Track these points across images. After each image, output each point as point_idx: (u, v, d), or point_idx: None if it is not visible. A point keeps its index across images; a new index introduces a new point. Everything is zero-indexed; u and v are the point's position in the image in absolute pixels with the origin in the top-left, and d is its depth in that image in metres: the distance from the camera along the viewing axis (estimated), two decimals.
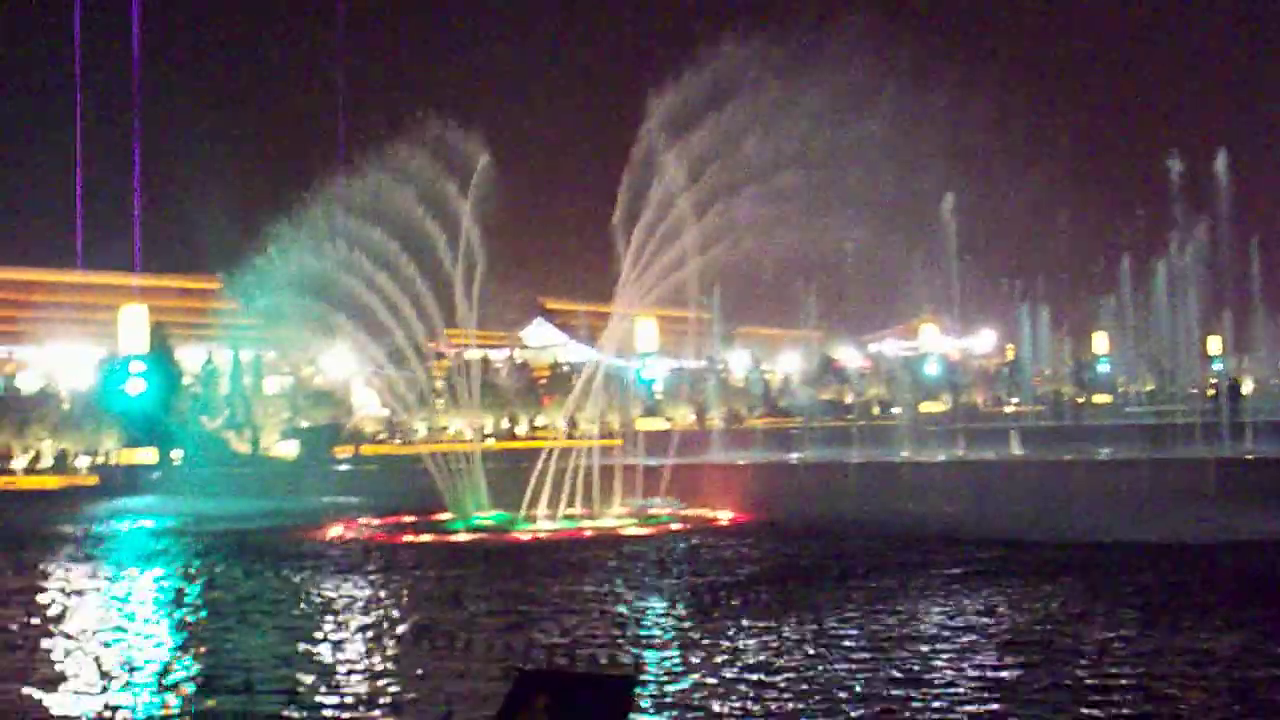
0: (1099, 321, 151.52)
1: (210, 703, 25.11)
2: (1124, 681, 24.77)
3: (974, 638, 28.97)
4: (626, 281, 60.38)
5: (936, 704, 23.47)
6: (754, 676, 25.90)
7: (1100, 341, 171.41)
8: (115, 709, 24.85)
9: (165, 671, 27.96)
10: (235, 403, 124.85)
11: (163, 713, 24.81)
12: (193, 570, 45.79)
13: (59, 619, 35.32)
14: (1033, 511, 55.77)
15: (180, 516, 68.66)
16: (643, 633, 31.06)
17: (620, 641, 29.70)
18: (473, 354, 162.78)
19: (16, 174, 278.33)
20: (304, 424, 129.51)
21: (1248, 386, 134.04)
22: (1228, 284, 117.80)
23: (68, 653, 30.11)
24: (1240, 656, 26.69)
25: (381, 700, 24.90)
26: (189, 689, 26.37)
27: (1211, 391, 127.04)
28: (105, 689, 26.44)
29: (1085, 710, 22.87)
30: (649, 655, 28.24)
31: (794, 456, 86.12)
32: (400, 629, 31.87)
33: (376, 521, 60.36)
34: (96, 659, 29.29)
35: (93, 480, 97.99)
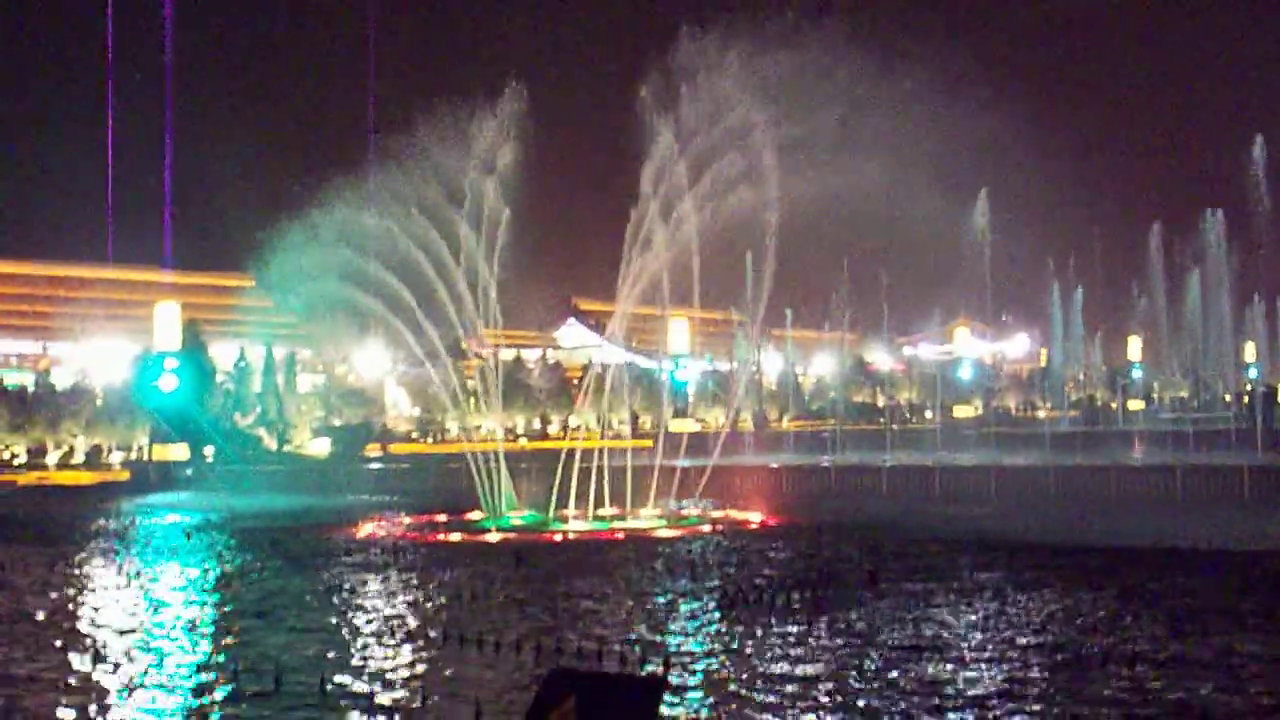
0: (1133, 327, 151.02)
1: (238, 700, 25.16)
2: (1151, 693, 24.67)
3: (1004, 644, 28.86)
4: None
5: (967, 714, 23.42)
6: (783, 678, 25.86)
7: (1134, 347, 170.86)
8: (143, 707, 24.93)
9: (192, 668, 28.03)
10: (268, 400, 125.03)
11: (189, 711, 24.88)
12: (223, 567, 45.90)
13: (87, 613, 35.44)
14: (1065, 516, 55.62)
15: (212, 513, 68.82)
16: (672, 634, 31.02)
17: (650, 643, 29.66)
18: (506, 354, 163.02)
19: (50, 170, 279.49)
20: (336, 422, 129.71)
21: None
22: (1264, 290, 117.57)
23: (95, 645, 30.23)
24: (1273, 662, 26.58)
25: (411, 698, 24.91)
26: (216, 686, 26.42)
27: (1246, 398, 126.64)
28: (126, 688, 26.50)
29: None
30: (678, 656, 28.21)
31: (826, 459, 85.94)
32: (430, 628, 31.87)
33: (408, 520, 60.41)
34: (122, 653, 29.38)
35: (125, 476, 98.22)
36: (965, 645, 28.74)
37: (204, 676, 27.36)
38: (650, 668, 26.91)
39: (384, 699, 24.93)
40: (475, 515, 60.64)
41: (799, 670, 26.67)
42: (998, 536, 48.71)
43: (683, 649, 29.16)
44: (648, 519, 57.99)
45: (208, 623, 34.40)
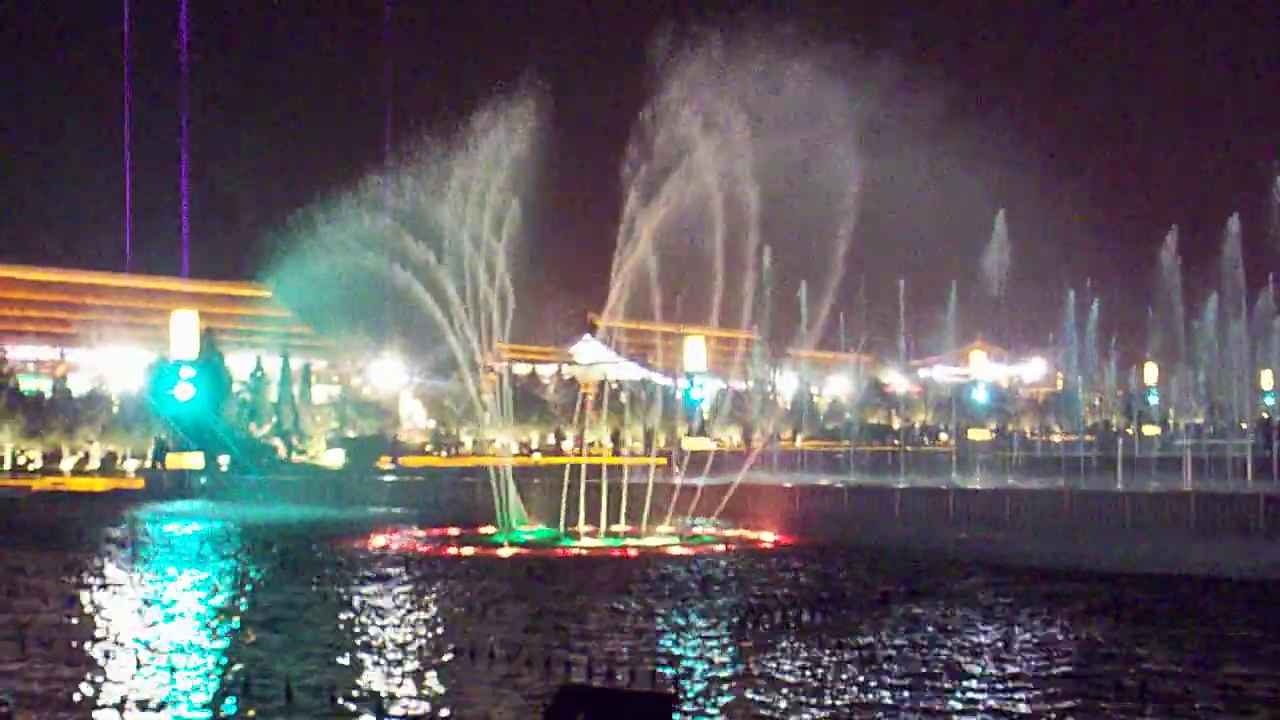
0: (1150, 353, 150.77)
1: (247, 711, 25.16)
2: None
3: (1016, 671, 28.78)
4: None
5: None
6: (794, 699, 25.82)
7: (1151, 372, 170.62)
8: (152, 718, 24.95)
9: (202, 679, 28.04)
10: (283, 410, 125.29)
11: None
12: (235, 576, 45.94)
13: (96, 621, 35.49)
14: (1079, 541, 55.51)
15: (226, 522, 68.91)
16: (683, 652, 30.98)
17: (660, 660, 29.62)
18: (522, 368, 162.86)
19: (68, 178, 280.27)
20: (350, 433, 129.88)
21: None
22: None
23: (101, 652, 30.26)
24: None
25: (421, 713, 24.89)
26: (226, 697, 26.43)
27: (1262, 425, 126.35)
28: (134, 699, 26.52)
29: None
30: (688, 674, 28.17)
31: (839, 480, 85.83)
32: (441, 642, 31.85)
33: (420, 533, 60.44)
34: (132, 663, 29.40)
35: (139, 484, 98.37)
36: (977, 671, 28.65)
37: (213, 687, 27.34)
38: (661, 685, 26.87)
39: (394, 711, 24.91)
40: (488, 529, 60.66)
41: (810, 691, 26.61)
42: (1011, 561, 48.60)
43: (693, 667, 29.11)
44: (660, 537, 57.95)
45: (218, 633, 34.38)
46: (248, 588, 42.90)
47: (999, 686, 27.08)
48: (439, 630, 33.74)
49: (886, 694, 26.33)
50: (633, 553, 53.35)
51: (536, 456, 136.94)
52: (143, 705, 25.57)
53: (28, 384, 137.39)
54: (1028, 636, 32.86)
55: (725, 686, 27.17)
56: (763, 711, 24.95)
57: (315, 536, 59.99)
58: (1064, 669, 28.88)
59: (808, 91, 58.24)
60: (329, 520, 68.70)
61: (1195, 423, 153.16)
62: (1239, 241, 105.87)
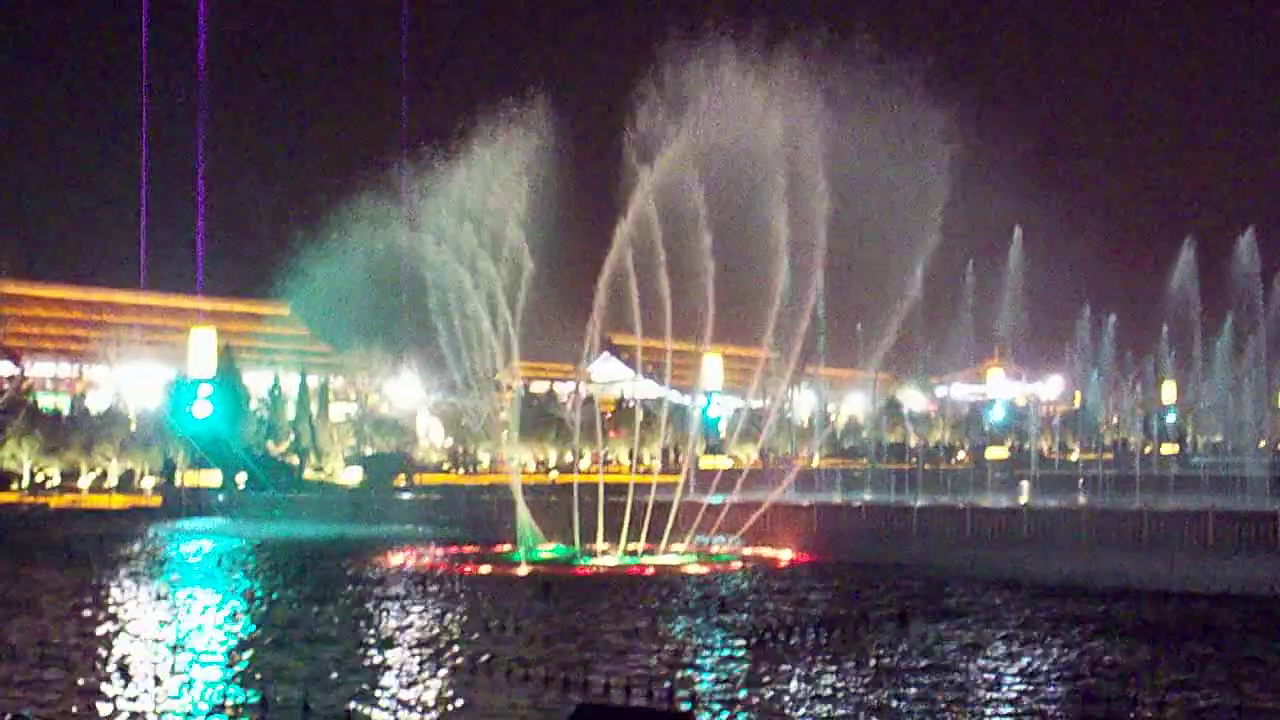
0: (1168, 371, 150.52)
1: None
2: None
3: (1034, 690, 28.75)
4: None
5: None
6: (811, 718, 25.81)
7: (1169, 391, 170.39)
8: None
9: (220, 694, 28.08)
10: (301, 428, 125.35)
11: None
12: (253, 593, 46.03)
13: (115, 638, 35.55)
14: (1097, 560, 55.41)
15: (243, 540, 68.98)
16: (700, 671, 30.98)
17: (677, 679, 29.62)
18: (539, 386, 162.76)
19: (86, 196, 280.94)
20: (368, 451, 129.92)
21: None
22: None
23: (119, 668, 30.32)
24: None
25: None
26: (244, 711, 26.47)
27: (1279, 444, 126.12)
28: (154, 714, 26.58)
29: None
30: (705, 694, 28.18)
31: (856, 498, 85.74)
32: (458, 660, 31.87)
33: (438, 551, 60.46)
34: (151, 678, 29.46)
35: (156, 501, 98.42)
36: (995, 691, 28.63)
37: (232, 701, 27.39)
38: (678, 704, 26.88)
39: None
40: (505, 547, 60.68)
41: (827, 710, 26.60)
42: (1029, 579, 48.52)
43: (710, 686, 29.12)
44: (677, 555, 57.92)
45: (236, 648, 34.42)
46: (265, 606, 42.95)
47: (1018, 707, 27.06)
48: (456, 648, 33.74)
49: (905, 714, 26.31)
50: (649, 571, 53.34)
51: (554, 474, 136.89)
52: (158, 717, 25.67)
53: (46, 401, 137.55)
54: (1047, 655, 32.82)
55: (742, 706, 27.17)
56: None
57: (333, 554, 60.05)
58: (1083, 688, 28.84)
59: (827, 110, 58.27)
60: (347, 538, 68.76)
61: (1214, 441, 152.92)
62: (1256, 255, 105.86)
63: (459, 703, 27.28)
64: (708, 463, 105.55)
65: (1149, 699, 27.39)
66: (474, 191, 61.87)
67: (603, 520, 59.50)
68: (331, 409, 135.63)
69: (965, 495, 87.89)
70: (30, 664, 31.30)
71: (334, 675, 29.99)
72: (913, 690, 28.34)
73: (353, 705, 26.48)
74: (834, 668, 30.76)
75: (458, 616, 40.01)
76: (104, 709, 26.65)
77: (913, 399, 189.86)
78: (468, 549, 60.93)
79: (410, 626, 37.87)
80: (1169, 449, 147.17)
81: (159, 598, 44.54)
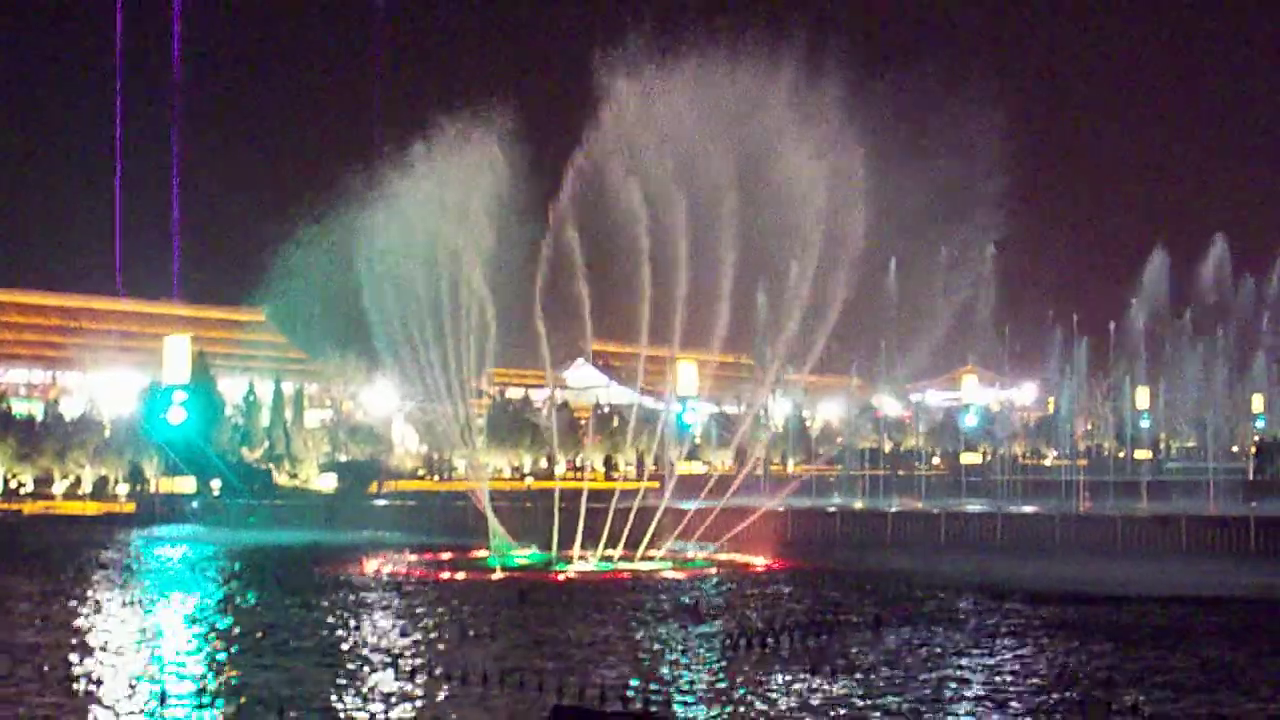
0: (1141, 377, 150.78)
1: None
2: None
3: (1009, 696, 28.84)
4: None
5: None
6: None
7: (1142, 396, 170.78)
8: None
9: (194, 702, 28.06)
10: (275, 435, 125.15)
11: None
12: (227, 600, 45.98)
13: (88, 643, 35.49)
14: (1070, 564, 55.58)
15: (218, 547, 68.90)
16: (674, 675, 31.03)
17: (653, 684, 29.66)
18: (515, 393, 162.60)
19: (60, 201, 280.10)
20: (343, 458, 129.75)
21: None
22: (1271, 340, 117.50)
23: (92, 676, 30.28)
24: None
25: None
26: None
27: (1253, 449, 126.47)
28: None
29: None
30: (681, 698, 28.23)
31: (831, 504, 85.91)
32: (432, 664, 31.87)
33: (413, 557, 60.43)
34: (126, 685, 29.43)
35: (131, 508, 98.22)
36: (969, 696, 28.72)
37: (205, 710, 27.37)
38: (653, 709, 26.92)
39: None
40: (481, 553, 60.67)
41: (802, 715, 26.67)
42: (1003, 584, 48.65)
43: (685, 690, 29.17)
44: (653, 560, 57.96)
45: (210, 655, 34.40)
46: (240, 612, 42.90)
47: (992, 711, 27.15)
48: (431, 653, 33.75)
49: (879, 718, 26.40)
50: (625, 576, 53.39)
51: (529, 480, 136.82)
52: None
53: (20, 407, 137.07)
54: (1020, 660, 32.94)
55: (717, 710, 27.22)
56: None
57: (308, 561, 59.99)
58: (1057, 692, 28.94)
59: (802, 118, 58.38)
60: (322, 544, 68.70)
61: (1188, 446, 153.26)
62: (1226, 260, 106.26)
63: (433, 708, 27.29)
64: (683, 468, 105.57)
65: (1126, 702, 27.51)
66: (448, 196, 61.76)
67: (582, 526, 59.50)
68: (307, 415, 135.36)
69: (940, 500, 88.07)
70: (3, 674, 31.21)
71: (307, 681, 29.97)
72: (887, 695, 28.42)
73: (325, 711, 26.47)
74: (809, 672, 30.81)
75: (433, 623, 40.00)
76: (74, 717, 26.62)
77: (888, 405, 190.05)
78: (443, 555, 60.90)
79: (385, 633, 37.86)
80: (1142, 454, 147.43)
81: (134, 606, 44.47)
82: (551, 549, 59.30)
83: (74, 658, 33.24)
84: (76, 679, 30.32)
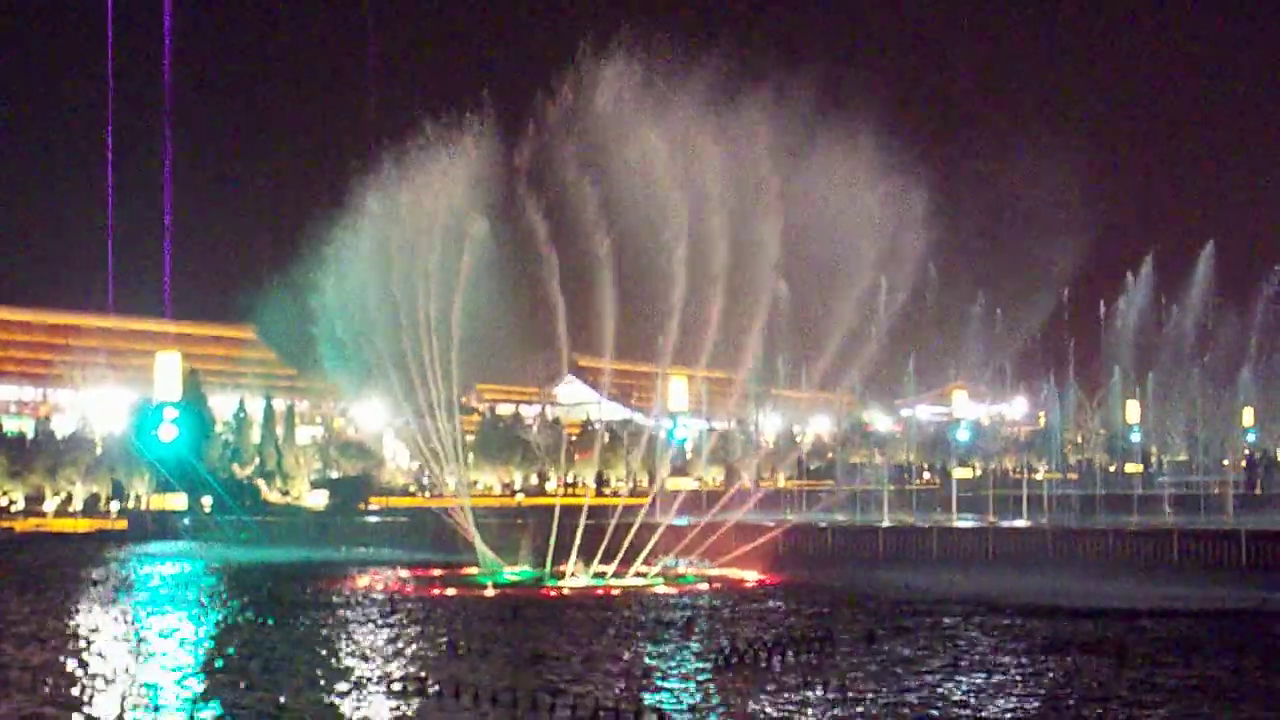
0: (1131, 390, 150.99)
1: None
2: None
3: (1002, 712, 28.85)
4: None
5: None
6: None
7: (1133, 410, 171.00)
8: None
9: (186, 718, 28.05)
10: (266, 451, 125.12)
11: None
12: (218, 617, 45.92)
13: (80, 662, 35.44)
14: (1062, 579, 55.60)
15: (209, 564, 68.85)
16: (666, 692, 31.03)
17: (643, 701, 29.66)
18: (505, 409, 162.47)
19: (51, 218, 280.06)
20: (334, 474, 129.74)
21: None
22: (1263, 354, 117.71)
23: (85, 694, 30.26)
24: None
25: None
26: None
27: (1243, 462, 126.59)
28: None
29: None
30: (673, 714, 28.23)
31: (823, 519, 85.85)
32: (423, 680, 31.85)
33: (404, 573, 60.42)
34: (116, 703, 29.41)
35: (122, 525, 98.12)
36: (963, 712, 28.73)
37: None
38: None
39: None
40: (472, 570, 60.66)
41: None
42: (995, 599, 48.72)
43: (678, 707, 29.17)
44: (644, 576, 57.98)
45: (201, 672, 34.35)
46: (230, 629, 42.87)
47: None
48: (422, 671, 33.72)
49: None
50: (616, 593, 53.39)
51: (520, 497, 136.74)
52: None
53: (10, 425, 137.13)
54: (1012, 674, 32.95)
55: None
56: None
57: (299, 577, 59.95)
58: (1050, 707, 28.97)
59: (791, 134, 58.48)
60: (313, 561, 68.68)
61: (1179, 460, 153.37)
62: (1213, 269, 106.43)
63: None
64: (674, 484, 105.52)
65: (1121, 715, 27.54)
66: (437, 212, 61.75)
67: (579, 541, 59.49)
68: (297, 432, 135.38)
69: (932, 515, 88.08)
70: None
71: (298, 698, 29.97)
72: (879, 711, 28.44)
73: None
74: (802, 688, 30.83)
75: (423, 639, 39.99)
76: None
77: (878, 420, 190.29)
78: (434, 571, 60.89)
79: (375, 648, 37.83)
80: (1133, 468, 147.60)
81: (126, 622, 44.41)
82: (545, 565, 59.28)
83: (68, 675, 33.15)
84: (71, 697, 30.26)
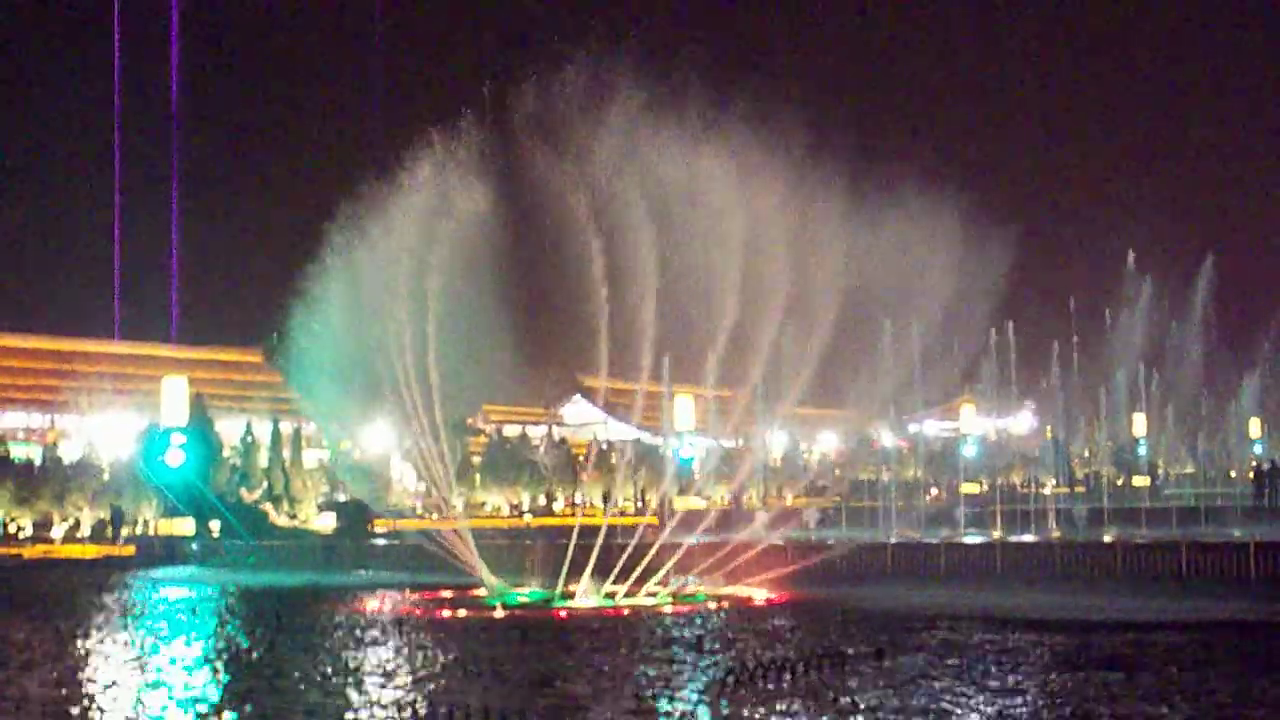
0: (1139, 403, 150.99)
1: None
2: None
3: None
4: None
5: None
6: None
7: (1139, 423, 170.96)
8: None
9: None
10: (274, 475, 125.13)
11: None
12: (227, 641, 45.91)
13: (89, 689, 35.43)
14: (1071, 593, 55.55)
15: (218, 588, 68.86)
16: (676, 712, 30.99)
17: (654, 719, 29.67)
18: (512, 430, 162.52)
19: (57, 244, 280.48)
20: (342, 497, 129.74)
21: None
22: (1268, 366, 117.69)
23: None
24: None
25: None
26: None
27: (1251, 474, 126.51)
28: None
29: None
30: None
31: (831, 536, 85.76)
32: (434, 705, 31.83)
33: (413, 596, 60.41)
34: None
35: (130, 550, 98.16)
36: None
37: None
38: None
39: None
40: (481, 591, 60.65)
41: None
42: (1004, 613, 48.68)
43: None
44: (653, 596, 57.95)
45: (210, 698, 34.32)
46: (238, 653, 42.85)
47: None
48: (432, 693, 33.70)
49: None
50: (626, 612, 53.37)
51: (528, 518, 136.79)
52: None
53: (18, 451, 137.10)
54: (1022, 691, 32.91)
55: None
56: None
57: (307, 601, 59.96)
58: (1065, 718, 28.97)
59: (792, 152, 58.51)
60: (321, 584, 68.70)
61: (1186, 472, 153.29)
62: (1214, 282, 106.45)
63: None
64: (681, 504, 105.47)
65: None
66: (443, 234, 61.68)
67: (594, 562, 59.48)
68: (305, 455, 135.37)
69: (940, 531, 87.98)
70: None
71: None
72: None
73: None
74: (813, 706, 30.80)
75: (431, 662, 39.96)
76: None
77: (885, 436, 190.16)
78: (443, 593, 60.88)
79: (384, 671, 37.78)
80: (1140, 481, 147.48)
81: (135, 648, 44.39)
82: (553, 587, 59.28)
83: (77, 703, 33.15)
84: None
